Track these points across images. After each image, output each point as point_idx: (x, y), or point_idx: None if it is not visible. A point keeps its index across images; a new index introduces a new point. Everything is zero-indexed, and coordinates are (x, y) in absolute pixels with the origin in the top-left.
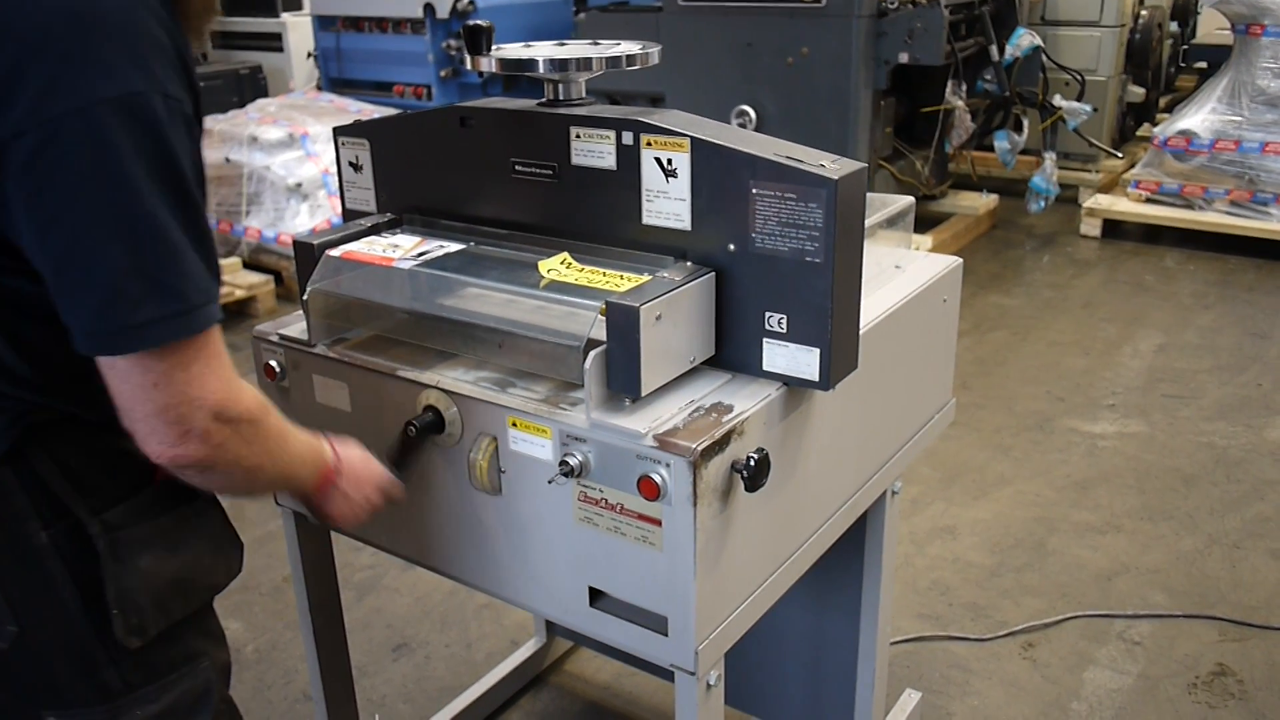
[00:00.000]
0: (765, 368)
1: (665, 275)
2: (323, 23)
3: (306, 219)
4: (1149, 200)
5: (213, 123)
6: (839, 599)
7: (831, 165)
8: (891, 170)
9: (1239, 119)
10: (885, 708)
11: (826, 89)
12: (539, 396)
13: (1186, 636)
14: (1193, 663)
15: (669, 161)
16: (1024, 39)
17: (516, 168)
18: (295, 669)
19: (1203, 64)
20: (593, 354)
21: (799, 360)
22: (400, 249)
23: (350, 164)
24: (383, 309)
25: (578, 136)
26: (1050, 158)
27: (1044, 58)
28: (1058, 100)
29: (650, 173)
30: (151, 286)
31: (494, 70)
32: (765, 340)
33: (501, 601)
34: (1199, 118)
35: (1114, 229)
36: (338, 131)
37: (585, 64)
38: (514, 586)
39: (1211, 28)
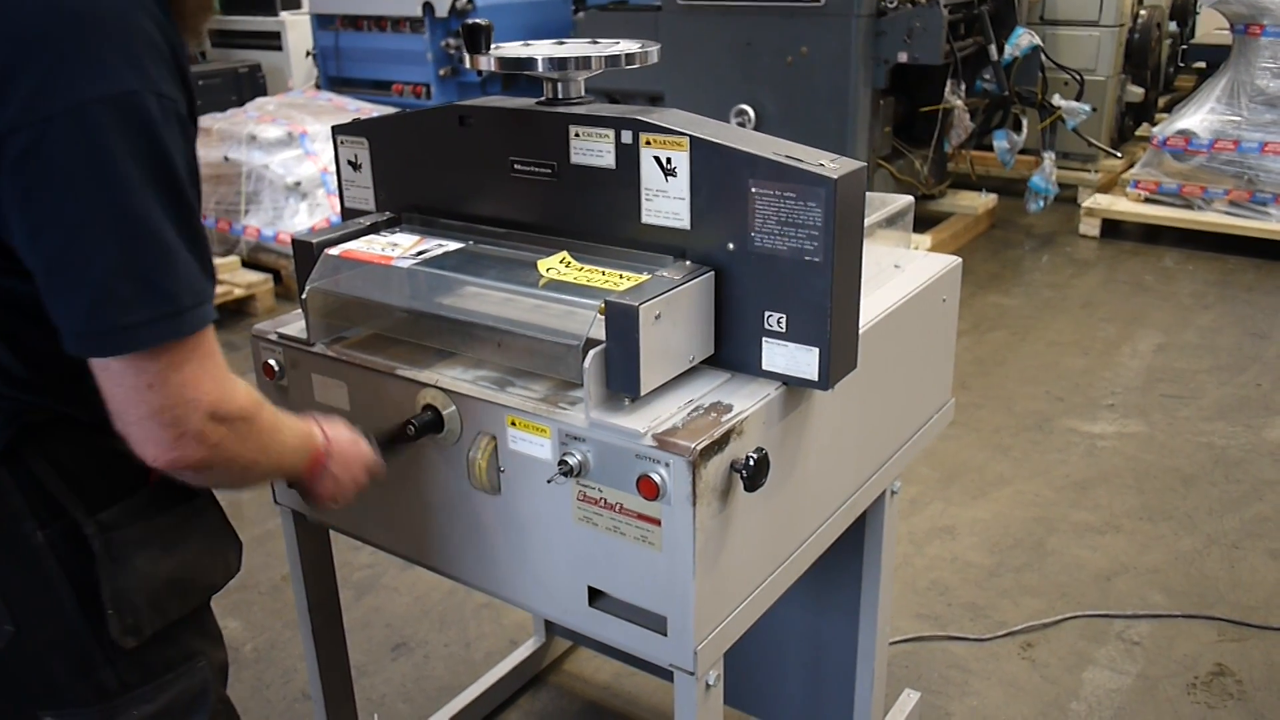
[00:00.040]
0: (764, 367)
1: (664, 274)
2: (321, 21)
3: (305, 218)
4: (1148, 200)
5: (211, 121)
6: (838, 599)
7: (831, 164)
8: (890, 170)
9: (1238, 119)
10: (884, 707)
11: (826, 88)
12: (538, 396)
13: (1185, 636)
14: (1192, 663)
15: (668, 160)
16: (1023, 38)
17: (515, 166)
18: (294, 668)
19: (1202, 64)
20: (592, 353)
21: (798, 360)
22: (399, 248)
23: (349, 162)
24: (381, 308)
25: (577, 135)
26: (1049, 157)
27: (1043, 57)
28: (1057, 100)
29: (649, 172)
30: (143, 287)
31: (493, 69)
32: (764, 340)
33: (500, 601)
34: (1198, 118)
35: (1113, 229)
36: (336, 130)
37: (584, 63)
38: (513, 586)
39: (1210, 27)
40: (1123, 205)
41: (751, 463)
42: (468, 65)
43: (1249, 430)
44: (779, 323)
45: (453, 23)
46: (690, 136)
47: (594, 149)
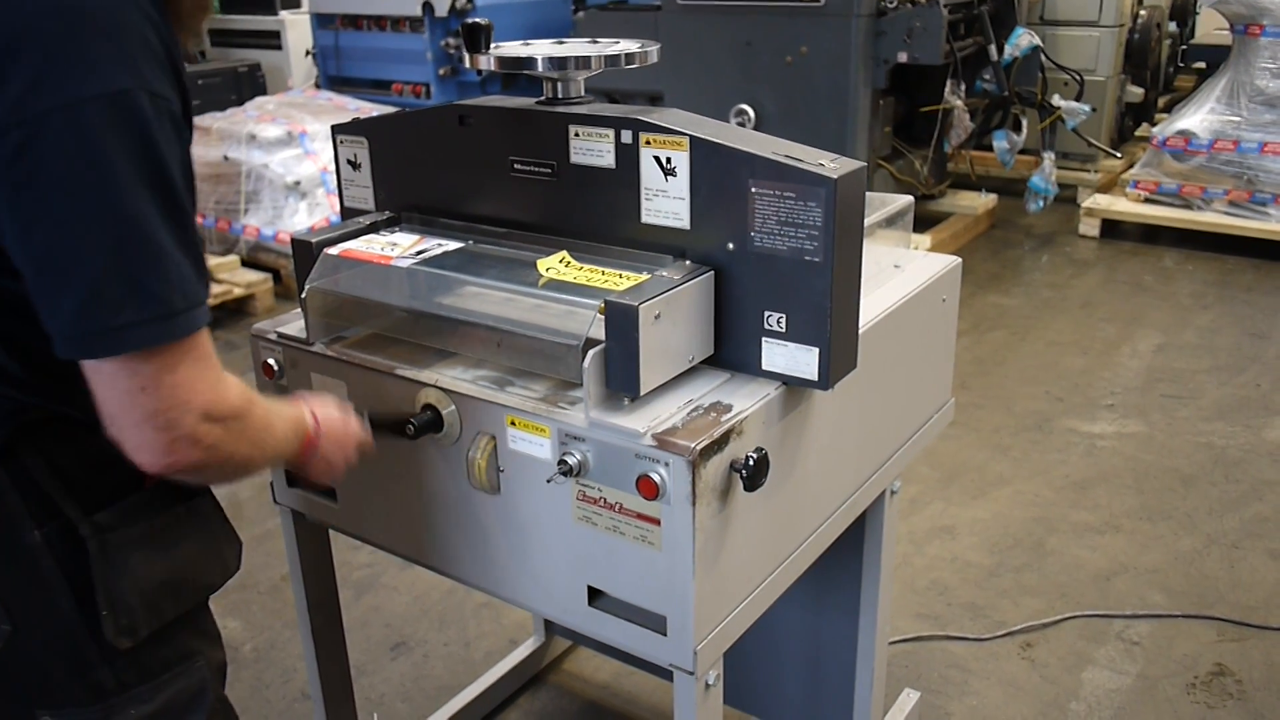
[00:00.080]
0: (764, 367)
1: (664, 274)
2: (321, 20)
3: (305, 217)
4: (1148, 200)
5: (211, 120)
6: (838, 598)
7: (831, 164)
8: (890, 169)
9: (1238, 119)
10: (884, 707)
11: (825, 88)
12: (538, 395)
13: (1185, 636)
14: (1191, 663)
15: (668, 160)
16: (1023, 39)
17: (515, 166)
18: (293, 668)
19: (1201, 64)
20: (591, 353)
21: (798, 359)
22: (399, 247)
23: (349, 162)
24: (381, 307)
25: (576, 135)
26: (1049, 157)
27: (1043, 57)
28: (1056, 100)
29: (649, 171)
30: (133, 289)
31: (493, 68)
32: (764, 339)
33: (500, 600)
34: (1198, 118)
35: (1113, 229)
36: (336, 129)
37: (584, 62)
38: (512, 585)
39: (1210, 28)
40: (1122, 205)
41: (751, 463)
42: (467, 65)
43: (1248, 430)
44: (779, 323)
45: (452, 22)
46: (690, 136)
47: (594, 149)
